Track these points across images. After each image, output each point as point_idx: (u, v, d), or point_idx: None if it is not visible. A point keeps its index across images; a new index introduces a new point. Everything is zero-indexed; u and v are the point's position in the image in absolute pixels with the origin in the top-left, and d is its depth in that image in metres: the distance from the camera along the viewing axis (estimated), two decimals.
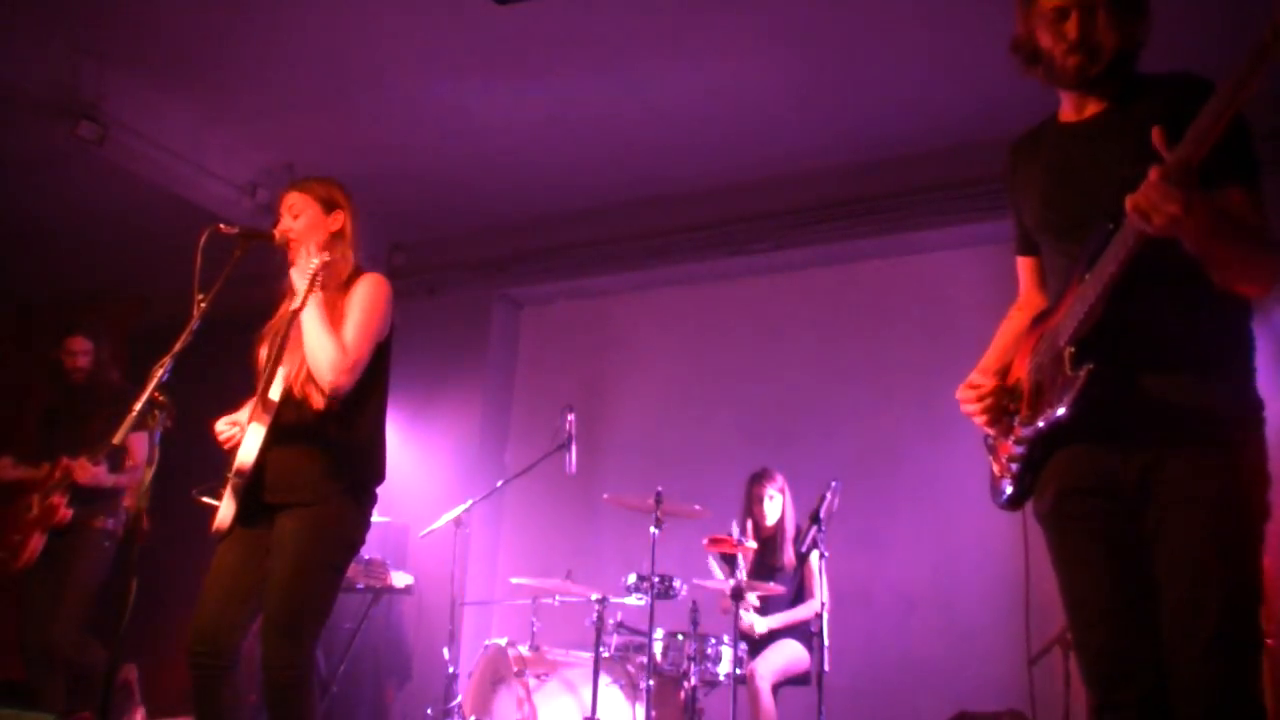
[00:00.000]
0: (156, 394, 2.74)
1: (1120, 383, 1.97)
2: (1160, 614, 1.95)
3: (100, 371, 4.97)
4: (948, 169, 5.70)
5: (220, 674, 2.94)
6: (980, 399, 2.22)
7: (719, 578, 4.97)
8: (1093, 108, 2.20)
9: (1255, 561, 1.92)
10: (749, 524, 5.16)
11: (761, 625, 4.97)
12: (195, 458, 3.12)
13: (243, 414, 3.11)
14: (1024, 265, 2.46)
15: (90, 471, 4.66)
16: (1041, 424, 2.05)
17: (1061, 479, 2.10)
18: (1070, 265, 2.10)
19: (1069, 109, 2.24)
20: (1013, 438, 2.15)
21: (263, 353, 3.12)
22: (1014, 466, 2.17)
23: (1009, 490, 2.20)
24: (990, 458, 2.30)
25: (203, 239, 2.94)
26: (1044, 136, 2.29)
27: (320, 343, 2.96)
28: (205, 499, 3.05)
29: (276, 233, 3.17)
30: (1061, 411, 1.97)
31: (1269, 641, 3.70)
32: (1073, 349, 1.98)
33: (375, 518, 6.38)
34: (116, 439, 2.67)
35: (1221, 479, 1.92)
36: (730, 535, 4.75)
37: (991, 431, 2.27)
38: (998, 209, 5.53)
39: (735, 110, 5.53)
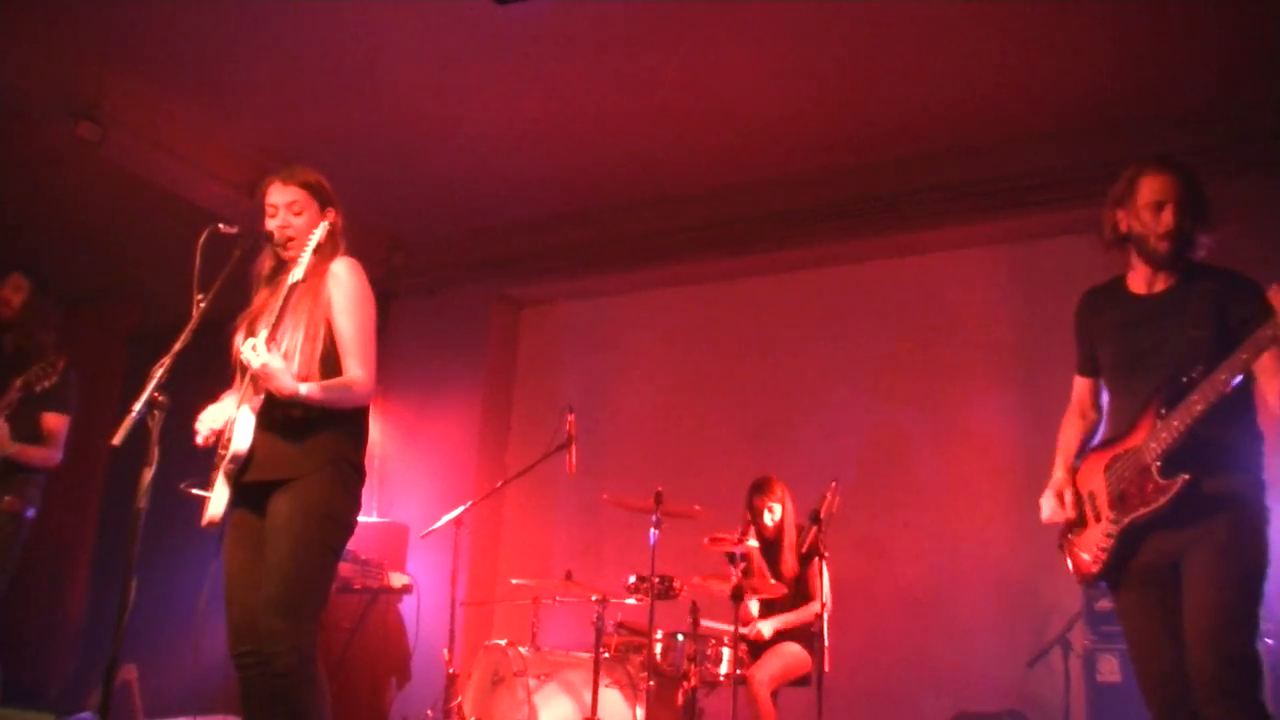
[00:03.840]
0: (156, 394, 2.73)
1: (1192, 483, 2.66)
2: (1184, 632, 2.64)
3: (32, 322, 4.53)
4: (948, 170, 5.70)
5: (263, 669, 2.92)
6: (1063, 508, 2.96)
7: (754, 614, 5.02)
8: (1160, 284, 2.89)
9: (1254, 594, 2.61)
10: (752, 531, 5.16)
11: (767, 629, 4.96)
12: (193, 458, 3.11)
13: (224, 405, 3.11)
14: (1083, 384, 3.16)
15: None
16: (1133, 520, 2.73)
17: (1138, 555, 2.78)
18: (1140, 400, 2.79)
19: (1139, 282, 2.93)
20: (1103, 533, 2.81)
21: (238, 340, 3.11)
22: (1104, 556, 2.81)
23: (1099, 569, 2.83)
24: (1066, 555, 2.97)
25: (202, 239, 2.94)
26: (1117, 299, 2.98)
27: (333, 396, 3.00)
28: (196, 491, 3.04)
29: (277, 230, 3.16)
30: (1158, 506, 2.68)
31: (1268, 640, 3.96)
32: (1159, 464, 2.69)
33: (374, 518, 6.42)
34: (116, 440, 2.65)
35: (1233, 532, 2.64)
36: (731, 535, 4.75)
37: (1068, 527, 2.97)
38: (998, 209, 5.56)
39: (735, 110, 5.53)
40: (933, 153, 5.72)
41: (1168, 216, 2.80)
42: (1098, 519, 2.85)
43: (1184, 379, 2.68)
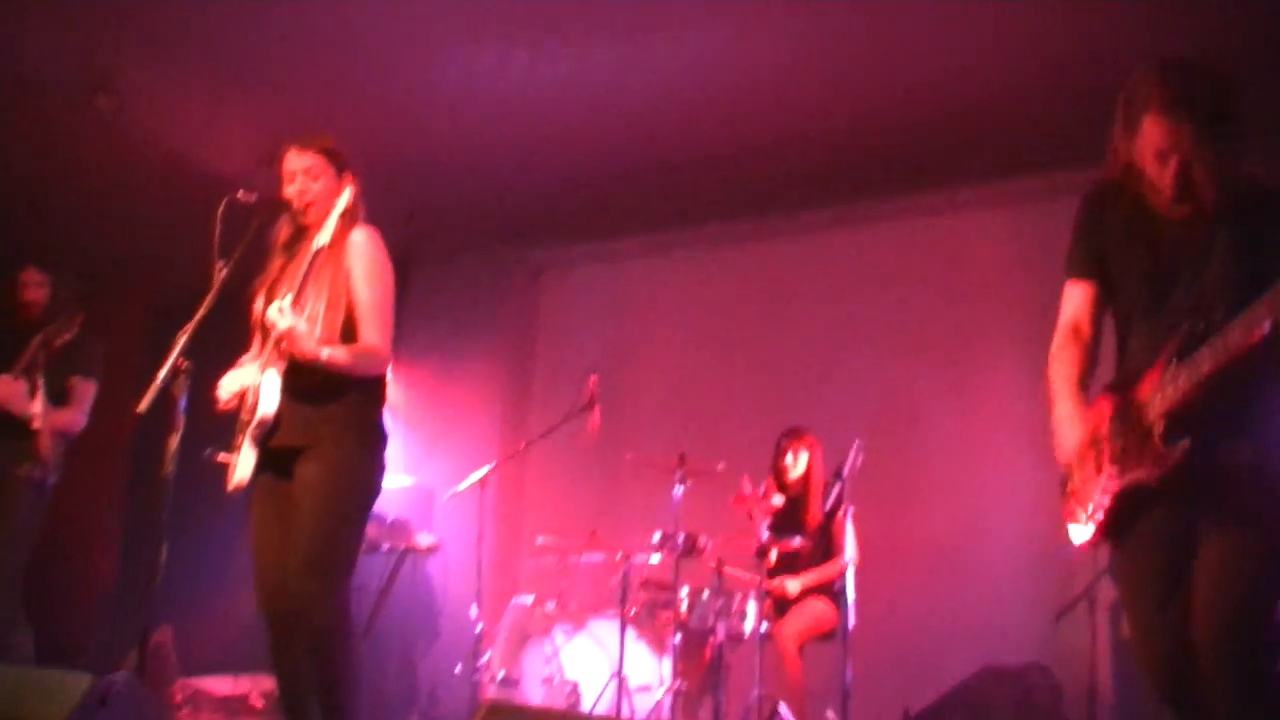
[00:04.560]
0: (180, 360, 2.76)
1: (1195, 452, 2.25)
2: (1193, 613, 2.30)
3: (58, 310, 4.44)
4: (967, 129, 5.62)
5: (294, 627, 2.98)
6: (1077, 435, 2.51)
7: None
8: (1186, 210, 2.37)
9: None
10: (773, 480, 5.18)
11: (794, 587, 4.99)
12: (217, 423, 3.15)
13: (243, 371, 3.13)
14: (1082, 292, 2.61)
15: (9, 387, 4.13)
16: (1129, 483, 2.35)
17: (1138, 521, 2.41)
18: (1155, 344, 2.36)
19: (1161, 201, 2.41)
20: (1098, 491, 2.44)
21: (258, 305, 3.13)
22: (1099, 515, 2.45)
23: (1091, 532, 2.47)
24: (1067, 503, 2.56)
25: (220, 208, 2.96)
26: (1136, 210, 2.47)
27: (354, 362, 3.03)
28: (221, 457, 3.08)
29: (295, 196, 3.17)
30: (1154, 474, 2.29)
31: None
32: (1161, 427, 2.28)
33: (402, 479, 6.48)
34: (141, 407, 2.69)
35: (1262, 510, 2.28)
36: (754, 492, 4.78)
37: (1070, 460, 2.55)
38: (1015, 170, 5.51)
39: (754, 72, 5.46)
40: (952, 113, 5.64)
41: (1172, 170, 2.29)
42: (1098, 471, 2.45)
43: (1201, 324, 2.25)
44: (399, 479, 6.47)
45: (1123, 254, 2.51)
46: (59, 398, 4.34)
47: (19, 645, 4.15)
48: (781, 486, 5.17)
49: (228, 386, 3.10)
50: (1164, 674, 2.39)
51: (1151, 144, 2.29)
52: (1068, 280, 2.63)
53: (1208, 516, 2.32)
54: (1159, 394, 2.31)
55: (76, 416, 4.40)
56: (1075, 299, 2.61)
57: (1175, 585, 2.36)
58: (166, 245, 7.04)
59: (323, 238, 3.01)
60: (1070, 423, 2.53)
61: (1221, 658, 2.24)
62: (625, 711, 4.52)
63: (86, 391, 4.44)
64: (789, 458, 5.19)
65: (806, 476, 5.20)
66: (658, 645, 4.91)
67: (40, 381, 4.20)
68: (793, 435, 5.25)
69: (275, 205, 3.17)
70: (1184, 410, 2.26)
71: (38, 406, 4.20)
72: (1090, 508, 2.48)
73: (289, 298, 2.93)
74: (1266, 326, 2.06)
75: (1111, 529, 2.44)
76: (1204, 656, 2.26)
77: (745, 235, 6.57)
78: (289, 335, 2.89)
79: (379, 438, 3.16)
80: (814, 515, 5.12)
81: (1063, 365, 2.60)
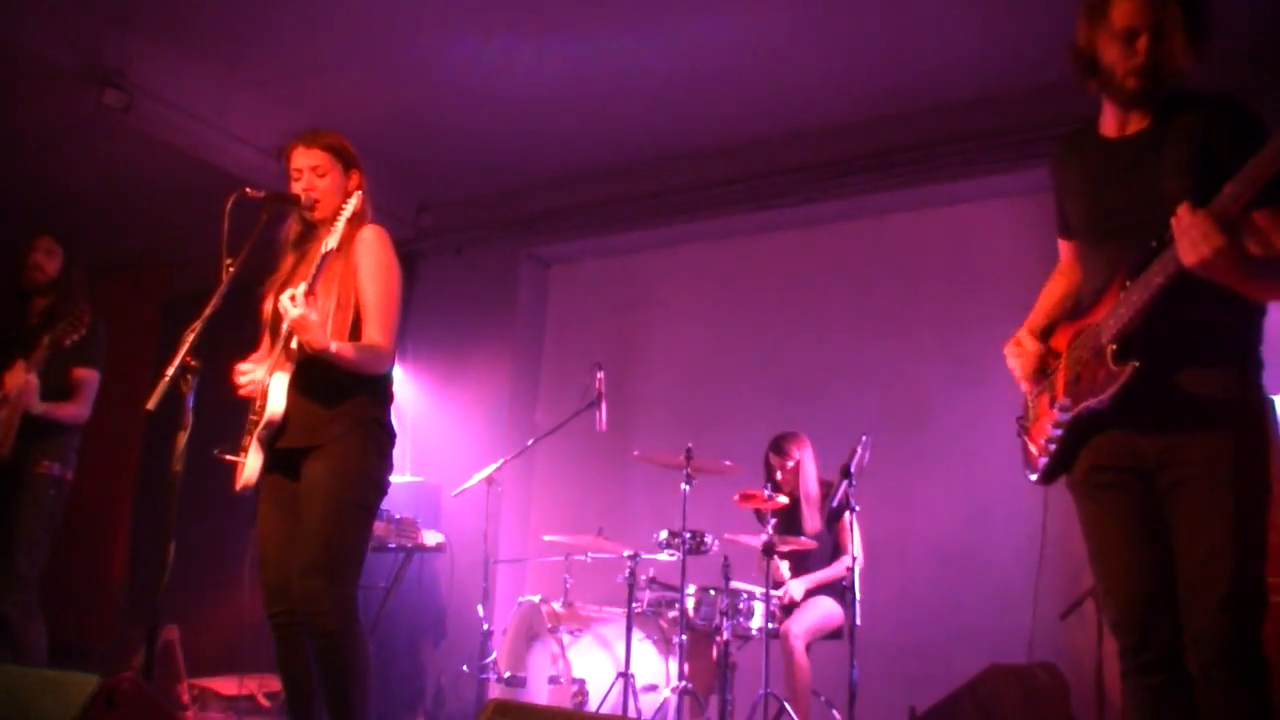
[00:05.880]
0: (188, 358, 2.76)
1: (1152, 377, 2.20)
2: (1178, 574, 2.22)
3: (64, 287, 4.41)
4: (975, 120, 5.61)
5: (300, 628, 2.99)
6: (1022, 357, 2.54)
7: (785, 575, 5.02)
8: (1135, 125, 2.37)
9: (1261, 530, 2.19)
10: (769, 487, 5.17)
11: (798, 589, 4.97)
12: (226, 421, 3.15)
13: (257, 365, 3.14)
14: (1064, 248, 2.67)
15: (21, 378, 4.07)
16: (1081, 410, 2.30)
17: (1093, 455, 2.36)
18: (1109, 268, 2.32)
19: (1111, 123, 2.42)
20: (1051, 421, 2.39)
21: (268, 306, 3.14)
22: (1051, 446, 2.41)
23: (1044, 465, 2.45)
24: (1024, 438, 2.56)
25: (229, 204, 2.95)
26: (1086, 144, 2.48)
27: (360, 358, 3.02)
28: (229, 457, 3.08)
29: (303, 193, 3.17)
30: (1104, 398, 2.24)
31: (1273, 597, 3.81)
32: (1115, 346, 2.22)
33: (407, 477, 6.48)
34: (151, 404, 2.69)
35: (1233, 459, 2.18)
36: (761, 492, 4.77)
37: (1028, 389, 2.56)
38: (1025, 159, 5.48)
39: (761, 63, 5.47)
40: (960, 104, 5.64)
41: (1141, 49, 2.24)
42: (1052, 403, 2.41)
43: (1153, 244, 2.18)
44: (405, 477, 6.48)
45: (1074, 192, 2.52)
46: (65, 391, 4.32)
47: (35, 641, 4.14)
48: (775, 491, 5.15)
49: (248, 374, 3.11)
50: (1135, 625, 2.29)
51: (1121, 24, 2.26)
52: (1058, 236, 2.70)
53: (1179, 461, 2.22)
54: (1112, 316, 2.25)
55: (82, 409, 4.39)
56: (1062, 251, 2.68)
57: (1141, 522, 2.29)
58: (178, 241, 7.07)
59: (331, 241, 3.01)
60: (1012, 345, 2.58)
61: (1210, 606, 2.15)
62: (631, 711, 4.51)
63: (90, 382, 4.41)
64: (779, 474, 5.16)
65: (801, 484, 5.16)
66: (664, 644, 4.90)
67: (37, 383, 4.15)
68: (778, 450, 5.18)
69: (283, 201, 3.17)
70: (1138, 330, 2.20)
71: (41, 407, 4.18)
72: (1043, 440, 2.43)
73: (303, 285, 2.91)
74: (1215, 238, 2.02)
75: (1063, 462, 2.41)
76: (1188, 600, 2.19)
77: (753, 228, 6.55)
78: (300, 324, 2.88)
79: (386, 437, 3.16)
80: (810, 520, 5.10)
81: (1044, 291, 2.68)
